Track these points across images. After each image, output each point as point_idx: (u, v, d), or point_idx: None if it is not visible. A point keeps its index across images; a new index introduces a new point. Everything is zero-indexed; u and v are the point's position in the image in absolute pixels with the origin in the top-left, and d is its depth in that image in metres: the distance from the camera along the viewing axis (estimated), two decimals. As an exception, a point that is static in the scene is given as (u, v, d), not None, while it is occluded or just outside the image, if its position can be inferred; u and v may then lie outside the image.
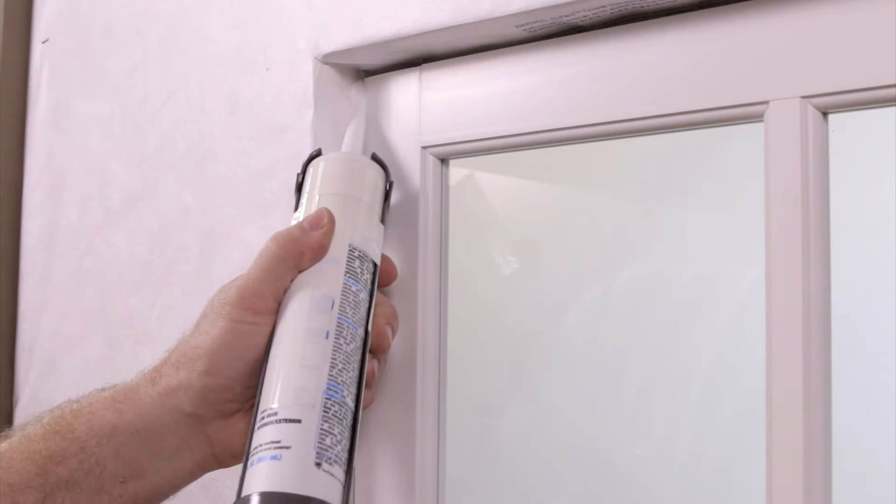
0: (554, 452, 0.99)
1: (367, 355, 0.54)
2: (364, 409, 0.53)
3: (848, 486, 0.51)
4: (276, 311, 0.53)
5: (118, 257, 0.81)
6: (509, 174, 1.00)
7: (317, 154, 0.61)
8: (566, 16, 0.55)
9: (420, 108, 0.63)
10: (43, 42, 0.92)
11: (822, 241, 0.47)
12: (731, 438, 1.00)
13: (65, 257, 0.87)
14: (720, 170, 1.05)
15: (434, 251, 0.63)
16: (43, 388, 0.88)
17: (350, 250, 0.55)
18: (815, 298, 0.47)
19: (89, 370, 0.83)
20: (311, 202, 0.57)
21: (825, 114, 0.48)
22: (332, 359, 0.51)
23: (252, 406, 0.53)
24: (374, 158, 0.61)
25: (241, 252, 0.69)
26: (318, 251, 0.54)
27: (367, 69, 0.67)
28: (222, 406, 0.53)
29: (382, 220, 0.59)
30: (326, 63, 0.65)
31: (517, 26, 0.57)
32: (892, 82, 0.45)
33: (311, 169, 0.60)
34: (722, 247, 1.06)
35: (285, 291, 0.54)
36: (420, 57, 0.64)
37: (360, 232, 0.56)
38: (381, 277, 0.58)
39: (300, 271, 0.54)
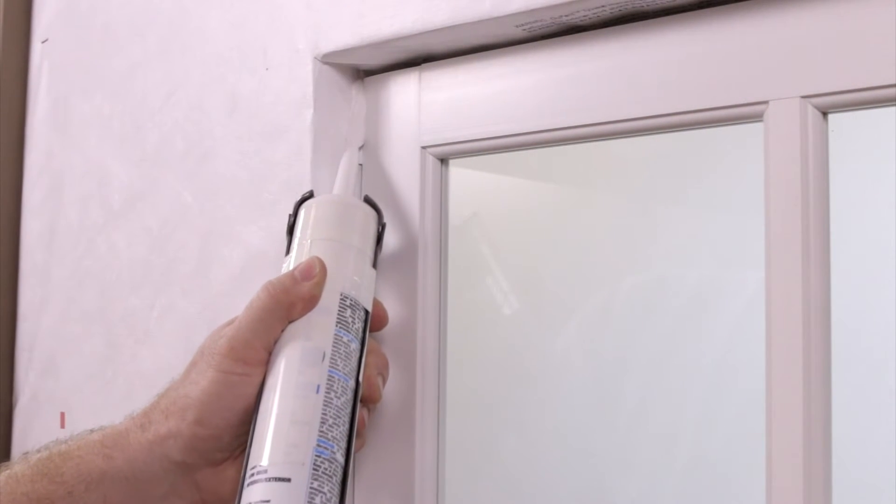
0: (558, 486, 0.98)
1: (358, 406, 0.54)
2: (355, 453, 0.53)
3: (848, 486, 0.51)
4: (267, 361, 0.53)
5: (118, 257, 0.81)
6: (509, 174, 1.00)
7: (308, 196, 0.60)
8: (566, 16, 0.55)
9: (420, 108, 0.63)
10: (43, 42, 0.92)
11: (822, 241, 0.47)
12: (732, 446, 1.00)
13: (65, 257, 0.87)
14: (720, 170, 1.05)
15: (433, 254, 0.63)
16: (43, 388, 0.88)
17: (342, 299, 0.55)
18: (815, 298, 0.47)
19: (89, 370, 0.83)
20: (303, 248, 0.57)
21: (825, 114, 0.48)
22: (323, 414, 0.51)
23: (242, 452, 0.53)
24: (367, 201, 0.61)
25: (241, 252, 0.69)
26: (310, 302, 0.54)
27: (367, 69, 0.67)
28: (211, 455, 0.53)
29: (374, 265, 0.59)
30: (326, 63, 0.65)
31: (517, 26, 0.57)
32: (892, 82, 0.45)
33: (302, 211, 0.59)
34: (722, 248, 1.06)
35: (276, 342, 0.53)
36: (420, 57, 0.64)
37: (351, 279, 0.56)
38: (373, 323, 0.58)
39: (291, 321, 0.54)
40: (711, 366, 1.03)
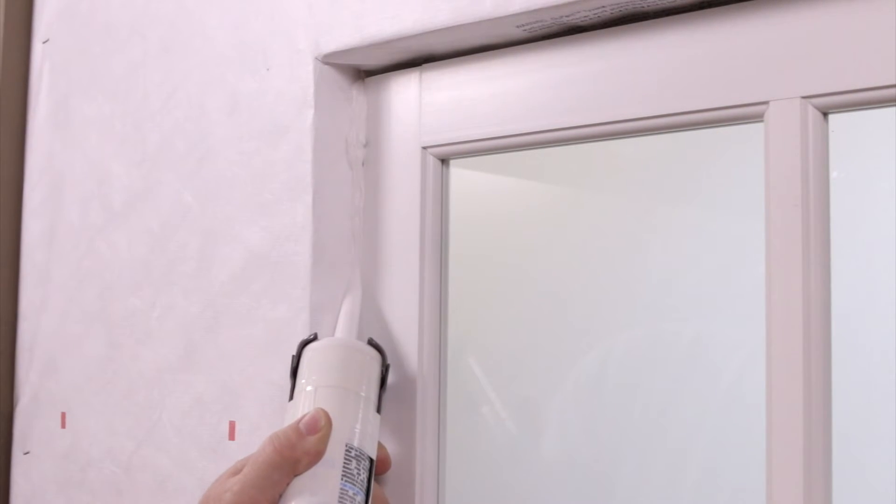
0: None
1: None
2: None
3: (848, 486, 0.51)
4: None
5: (118, 257, 0.81)
6: (509, 174, 1.00)
7: (312, 339, 0.61)
8: (566, 16, 0.55)
9: (420, 108, 0.63)
10: (43, 42, 0.92)
11: (822, 241, 0.47)
12: (738, 460, 0.99)
13: (65, 257, 0.87)
14: (720, 170, 1.05)
15: (433, 253, 0.63)
16: (43, 388, 0.88)
17: (346, 451, 0.55)
18: (815, 299, 0.47)
19: (89, 370, 0.83)
20: (308, 397, 0.57)
21: (825, 114, 0.48)
22: None
23: None
24: (371, 343, 0.60)
25: (241, 252, 0.69)
26: (315, 457, 0.54)
27: (368, 69, 0.67)
28: None
29: (378, 409, 0.58)
30: (327, 63, 0.65)
31: (517, 26, 0.57)
32: (892, 82, 0.45)
33: (306, 354, 0.59)
34: (723, 249, 1.05)
35: (281, 496, 0.53)
36: (420, 57, 0.64)
37: (356, 429, 0.56)
38: (377, 468, 0.58)
39: (296, 475, 0.54)
40: (722, 385, 1.02)
